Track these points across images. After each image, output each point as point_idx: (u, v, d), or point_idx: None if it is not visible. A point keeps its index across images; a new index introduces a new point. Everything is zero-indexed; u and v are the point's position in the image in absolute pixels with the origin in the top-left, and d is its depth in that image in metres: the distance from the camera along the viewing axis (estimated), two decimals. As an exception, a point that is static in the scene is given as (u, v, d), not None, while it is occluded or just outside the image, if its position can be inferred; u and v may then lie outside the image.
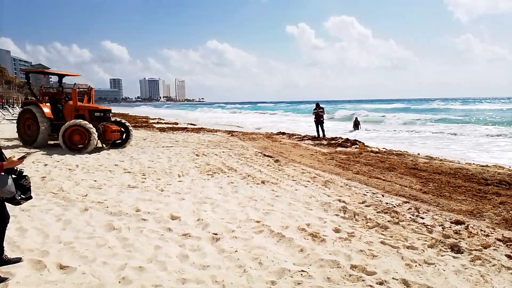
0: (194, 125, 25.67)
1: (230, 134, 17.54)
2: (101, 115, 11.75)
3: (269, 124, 28.74)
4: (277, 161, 9.72)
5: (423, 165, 8.94)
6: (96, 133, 10.84)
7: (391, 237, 4.30)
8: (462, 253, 3.85)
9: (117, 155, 10.30)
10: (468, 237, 4.31)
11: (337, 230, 4.50)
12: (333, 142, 14.39)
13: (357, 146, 13.30)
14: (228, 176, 7.65)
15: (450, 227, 4.67)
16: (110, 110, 12.24)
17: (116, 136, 11.66)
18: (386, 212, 5.24)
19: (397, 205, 5.65)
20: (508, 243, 4.12)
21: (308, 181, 7.27)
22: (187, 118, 39.29)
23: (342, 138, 15.19)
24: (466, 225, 4.73)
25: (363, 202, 5.75)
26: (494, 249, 3.95)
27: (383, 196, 6.24)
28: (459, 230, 4.51)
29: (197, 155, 10.53)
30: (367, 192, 6.46)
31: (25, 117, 11.74)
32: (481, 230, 4.54)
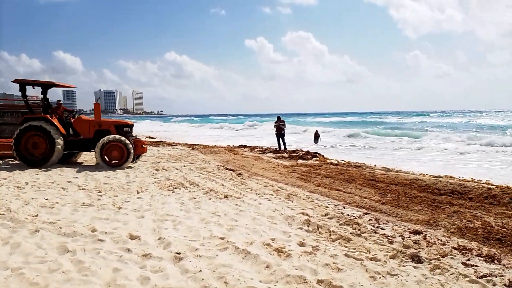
0: (153, 138, 25.06)
1: (190, 148, 17.28)
2: (128, 131, 11.29)
3: (231, 137, 28.69)
4: (239, 174, 9.65)
5: (381, 177, 9.24)
6: (132, 149, 10.48)
7: (354, 249, 4.35)
8: (422, 262, 3.95)
9: (71, 171, 9.77)
10: (427, 246, 4.45)
11: (302, 244, 4.48)
12: (294, 154, 14.58)
13: (317, 158, 13.55)
14: (190, 191, 7.47)
15: (409, 237, 4.81)
16: (133, 125, 11.71)
17: (144, 151, 11.51)
18: (348, 224, 5.32)
19: (358, 217, 5.76)
20: (463, 251, 4.30)
21: (271, 195, 7.26)
22: (146, 130, 38.40)
23: (303, 151, 15.43)
24: (424, 234, 4.89)
25: (325, 215, 5.81)
26: (451, 258, 4.10)
27: (344, 208, 6.34)
28: (418, 240, 4.66)
29: (156, 169, 10.24)
30: (329, 204, 6.54)
31: (29, 134, 10.34)
32: (438, 239, 4.71)
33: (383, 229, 5.17)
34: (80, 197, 6.82)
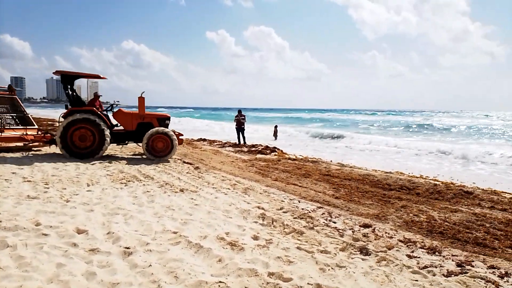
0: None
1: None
2: (168, 123, 11.49)
3: (190, 130, 28.28)
4: (197, 168, 9.54)
5: (335, 172, 9.49)
6: (176, 140, 10.70)
7: (306, 242, 4.44)
8: (370, 255, 4.10)
9: (16, 161, 9.20)
10: (375, 239, 4.62)
11: (255, 238, 4.50)
12: (253, 149, 14.63)
13: (276, 153, 13.68)
14: (144, 185, 7.28)
15: (359, 230, 4.98)
16: (170, 117, 11.92)
17: (181, 142, 11.74)
18: (302, 218, 5.41)
19: (312, 211, 5.88)
20: (409, 244, 4.52)
21: (228, 189, 7.23)
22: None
23: (262, 145, 15.52)
24: (373, 228, 5.08)
25: (281, 209, 5.88)
26: (396, 250, 4.29)
27: (299, 202, 6.45)
28: (367, 233, 4.83)
29: (109, 162, 9.87)
30: (284, 199, 6.63)
31: (75, 127, 10.13)
32: (386, 233, 4.92)
33: (335, 222, 5.31)
34: (24, 189, 6.44)
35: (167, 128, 11.16)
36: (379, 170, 10.15)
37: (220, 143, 17.33)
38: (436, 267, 3.84)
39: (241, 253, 3.99)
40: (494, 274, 3.73)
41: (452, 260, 4.05)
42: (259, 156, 12.92)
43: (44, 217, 4.93)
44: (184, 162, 10.49)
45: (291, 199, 6.59)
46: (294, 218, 5.42)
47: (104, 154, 10.63)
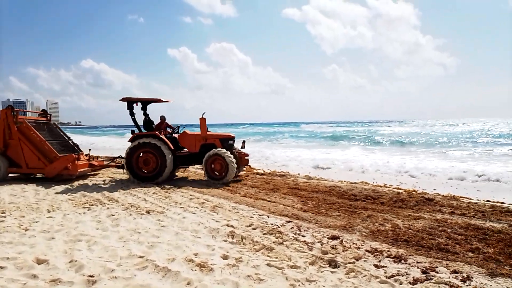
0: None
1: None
2: (232, 143, 11.14)
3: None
4: (163, 188, 9.36)
5: (303, 185, 9.59)
6: (233, 163, 10.07)
7: (276, 258, 4.43)
8: (339, 267, 4.15)
9: (-32, 190, 8.65)
10: (343, 251, 4.69)
11: (225, 257, 4.45)
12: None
13: (244, 168, 13.66)
14: (108, 208, 7.04)
15: (327, 242, 5.04)
16: (235, 138, 11.49)
17: (247, 163, 11.10)
18: (272, 233, 5.41)
19: (281, 225, 5.90)
20: (375, 253, 4.61)
21: (196, 207, 7.13)
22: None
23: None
24: (341, 239, 5.16)
25: (250, 225, 5.85)
26: (364, 260, 4.37)
27: (268, 217, 6.45)
28: (335, 245, 4.90)
29: (71, 185, 9.49)
30: (254, 215, 6.61)
31: (139, 151, 10.44)
32: (353, 243, 5.00)
33: (304, 236, 5.35)
34: (-23, 220, 6.05)
35: (231, 148, 10.89)
36: (344, 181, 10.36)
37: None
38: (402, 275, 3.93)
39: (210, 274, 3.92)
40: (457, 279, 3.87)
41: (417, 267, 4.17)
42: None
43: (0, 248, 4.65)
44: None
45: (260, 215, 6.59)
46: (264, 234, 5.41)
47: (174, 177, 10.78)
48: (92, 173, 11.87)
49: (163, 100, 11.19)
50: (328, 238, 5.22)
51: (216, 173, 10.17)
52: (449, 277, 3.90)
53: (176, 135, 11.31)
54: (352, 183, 10.04)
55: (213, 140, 10.77)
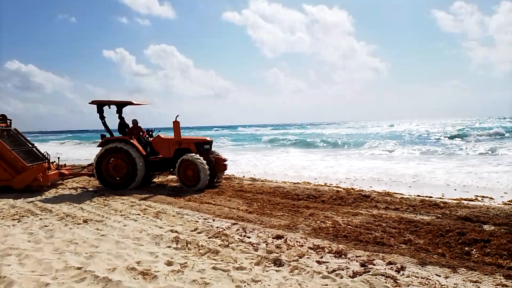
0: None
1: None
2: (208, 148, 10.43)
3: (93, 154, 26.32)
4: (102, 195, 8.92)
5: (248, 187, 9.67)
6: (207, 169, 9.43)
7: (222, 260, 4.42)
8: (283, 265, 4.25)
9: None
10: (287, 249, 4.80)
11: (169, 263, 4.35)
12: (163, 170, 14.17)
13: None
14: (40, 219, 6.56)
15: (272, 242, 5.12)
16: (212, 142, 10.84)
17: (225, 168, 10.40)
18: (217, 236, 5.39)
19: (227, 228, 5.89)
20: (318, 250, 4.78)
21: (138, 214, 6.89)
22: None
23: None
24: (285, 238, 5.28)
25: (195, 230, 5.78)
26: (307, 258, 4.51)
27: (213, 220, 6.42)
28: (280, 244, 5.00)
29: (-2, 196, 8.72)
30: (198, 219, 6.54)
31: (109, 156, 9.91)
32: (297, 241, 5.14)
33: (249, 237, 5.39)
34: None
35: (208, 153, 10.23)
36: (288, 182, 10.61)
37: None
38: (343, 270, 4.12)
39: (154, 281, 3.81)
40: (392, 270, 4.12)
41: (356, 261, 4.38)
42: (170, 177, 12.58)
43: None
44: (88, 189, 9.74)
45: (205, 219, 6.53)
46: (209, 237, 5.37)
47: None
48: (60, 182, 10.99)
49: (135, 102, 10.51)
50: (273, 238, 5.31)
51: (189, 179, 9.58)
52: (385, 268, 4.15)
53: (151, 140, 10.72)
54: (295, 183, 10.31)
55: (187, 145, 10.19)
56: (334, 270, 4.10)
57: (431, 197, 7.98)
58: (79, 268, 4.16)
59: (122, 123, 10.82)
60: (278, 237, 5.34)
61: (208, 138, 10.70)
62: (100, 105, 10.21)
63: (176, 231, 5.66)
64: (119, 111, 10.84)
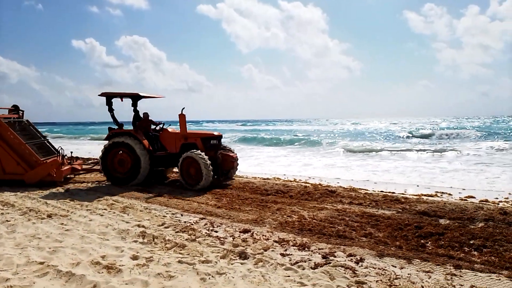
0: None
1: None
2: (216, 143, 9.69)
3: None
4: (67, 190, 8.74)
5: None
6: (209, 166, 8.73)
7: (188, 254, 4.48)
8: (248, 258, 4.35)
9: None
10: (253, 243, 4.92)
11: (135, 257, 4.36)
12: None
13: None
14: (2, 213, 6.38)
15: (239, 236, 5.22)
16: (221, 136, 10.07)
17: (233, 166, 9.80)
18: (184, 231, 5.43)
19: (195, 223, 5.94)
20: (282, 243, 4.92)
21: (105, 209, 6.82)
22: None
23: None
24: (251, 232, 5.39)
25: (162, 224, 5.79)
26: (272, 250, 4.64)
27: (182, 215, 6.45)
28: (246, 238, 5.11)
29: (-44, 191, 8.37)
30: (167, 214, 6.55)
31: (115, 151, 9.54)
32: (263, 235, 5.26)
33: (216, 231, 5.47)
34: None
35: (216, 149, 9.55)
36: (258, 177, 10.74)
37: (95, 160, 16.11)
38: (305, 262, 4.27)
39: (118, 275, 3.83)
40: (352, 261, 4.32)
41: (319, 253, 4.55)
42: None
43: None
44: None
45: (173, 214, 6.55)
46: (176, 232, 5.41)
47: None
48: (71, 176, 10.62)
49: (141, 94, 9.92)
50: (240, 232, 5.41)
51: (191, 178, 8.95)
52: (345, 260, 4.34)
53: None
54: (264, 179, 10.45)
55: (194, 140, 9.53)
56: (297, 262, 4.24)
57: (393, 192, 8.31)
58: (41, 263, 4.11)
59: (135, 116, 10.42)
60: (245, 231, 5.45)
61: (215, 133, 10.02)
62: (109, 97, 9.81)
63: (143, 226, 5.66)
64: (134, 104, 10.49)
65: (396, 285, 3.67)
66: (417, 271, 4.06)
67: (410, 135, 33.94)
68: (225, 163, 9.49)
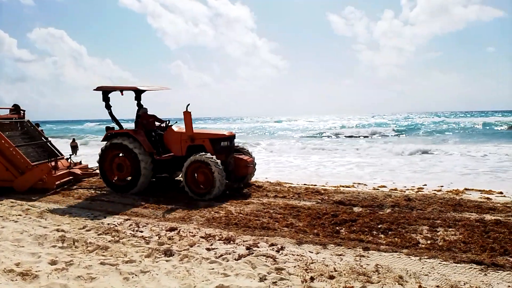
0: None
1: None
2: (227, 145, 8.24)
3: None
4: (-25, 197, 7.98)
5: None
6: (221, 172, 7.43)
7: (111, 256, 4.42)
8: (173, 255, 4.42)
9: None
10: (179, 240, 4.98)
11: (53, 262, 4.19)
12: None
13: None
14: None
15: (165, 234, 5.25)
16: (234, 137, 8.64)
17: (247, 171, 8.38)
18: (107, 233, 5.31)
19: (119, 224, 5.83)
20: (209, 238, 5.05)
21: (19, 215, 6.38)
22: None
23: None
24: (178, 230, 5.44)
25: (83, 227, 5.60)
26: (198, 246, 4.75)
27: (105, 217, 6.27)
28: (172, 236, 5.15)
29: None
30: (88, 216, 6.32)
31: (112, 154, 8.39)
32: (190, 232, 5.34)
33: (142, 231, 5.43)
34: None
35: (229, 151, 8.29)
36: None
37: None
38: (230, 254, 4.45)
39: (35, 281, 3.68)
40: (273, 250, 4.59)
41: (243, 245, 4.76)
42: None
43: None
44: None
45: (96, 216, 6.34)
46: (99, 234, 5.27)
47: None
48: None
49: (140, 88, 8.61)
50: (166, 230, 5.43)
51: (200, 186, 7.68)
52: (267, 249, 4.60)
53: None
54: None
55: (201, 141, 8.12)
56: (221, 255, 4.40)
57: (315, 185, 8.87)
58: None
59: (137, 114, 9.01)
60: (172, 229, 5.48)
61: (226, 133, 8.56)
62: (106, 92, 8.56)
63: (62, 230, 5.42)
64: (137, 98, 9.19)
65: (312, 269, 4.00)
66: (331, 255, 4.45)
67: (334, 132, 36.03)
68: (238, 168, 8.29)
